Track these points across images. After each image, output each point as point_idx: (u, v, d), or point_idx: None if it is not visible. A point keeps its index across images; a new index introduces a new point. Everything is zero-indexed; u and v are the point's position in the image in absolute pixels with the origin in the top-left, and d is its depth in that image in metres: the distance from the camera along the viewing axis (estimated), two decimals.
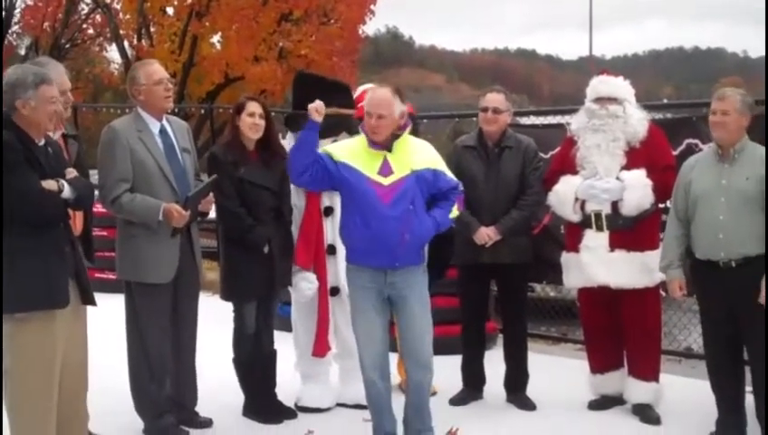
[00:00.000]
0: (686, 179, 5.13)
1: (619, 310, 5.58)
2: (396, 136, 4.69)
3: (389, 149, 4.67)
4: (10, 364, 4.07)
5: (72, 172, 4.25)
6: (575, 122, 5.71)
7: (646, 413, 5.52)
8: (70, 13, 26.84)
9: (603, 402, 5.77)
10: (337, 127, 5.52)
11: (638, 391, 5.59)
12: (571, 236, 5.71)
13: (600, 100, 5.58)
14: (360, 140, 4.80)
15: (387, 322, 4.81)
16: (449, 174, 4.81)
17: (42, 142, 4.14)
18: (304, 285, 5.55)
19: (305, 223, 5.58)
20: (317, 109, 4.68)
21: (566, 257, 5.75)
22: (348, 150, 4.76)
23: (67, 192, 4.11)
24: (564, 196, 5.60)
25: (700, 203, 5.01)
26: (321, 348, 5.67)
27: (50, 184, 4.04)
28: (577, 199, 5.54)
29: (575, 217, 5.59)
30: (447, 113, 10.25)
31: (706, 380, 5.23)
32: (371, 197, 4.60)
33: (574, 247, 5.61)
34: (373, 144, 4.68)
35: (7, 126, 4.02)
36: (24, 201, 3.95)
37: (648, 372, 5.59)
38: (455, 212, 4.78)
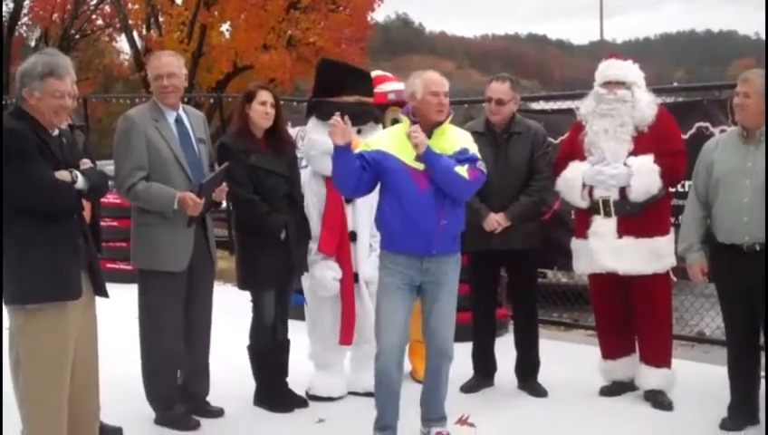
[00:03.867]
0: (708, 160, 5.08)
1: (629, 296, 5.56)
2: (437, 123, 4.66)
3: (429, 136, 4.63)
4: (22, 356, 4.07)
5: (86, 163, 4.24)
6: (584, 107, 5.68)
7: (658, 399, 5.51)
8: (79, 3, 26.86)
9: (615, 388, 5.75)
10: (363, 116, 5.52)
11: (650, 377, 5.57)
12: (580, 222, 5.70)
13: (608, 84, 5.53)
14: (399, 128, 4.78)
15: (411, 312, 4.78)
16: (478, 155, 4.71)
17: (56, 132, 4.13)
18: (329, 274, 5.53)
19: (328, 210, 5.57)
20: (342, 132, 4.53)
21: (575, 243, 5.74)
22: (385, 137, 4.79)
23: (80, 183, 4.10)
24: (572, 182, 5.57)
25: (723, 185, 4.97)
26: (348, 336, 5.66)
27: (63, 175, 4.03)
28: (585, 185, 5.51)
29: (583, 204, 5.57)
30: (457, 99, 10.22)
31: (719, 365, 5.21)
32: (408, 182, 4.59)
33: (583, 233, 5.59)
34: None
35: (20, 115, 4.02)
36: (36, 192, 3.94)
37: (659, 358, 5.56)
38: (464, 172, 4.57)
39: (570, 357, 6.57)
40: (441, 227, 4.59)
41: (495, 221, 5.59)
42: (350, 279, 5.61)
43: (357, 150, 4.65)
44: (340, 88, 5.59)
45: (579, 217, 5.77)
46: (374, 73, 6.08)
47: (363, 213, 5.52)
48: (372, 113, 5.65)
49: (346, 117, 4.57)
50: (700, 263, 5.13)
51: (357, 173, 4.59)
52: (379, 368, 4.72)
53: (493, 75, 6.01)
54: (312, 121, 5.68)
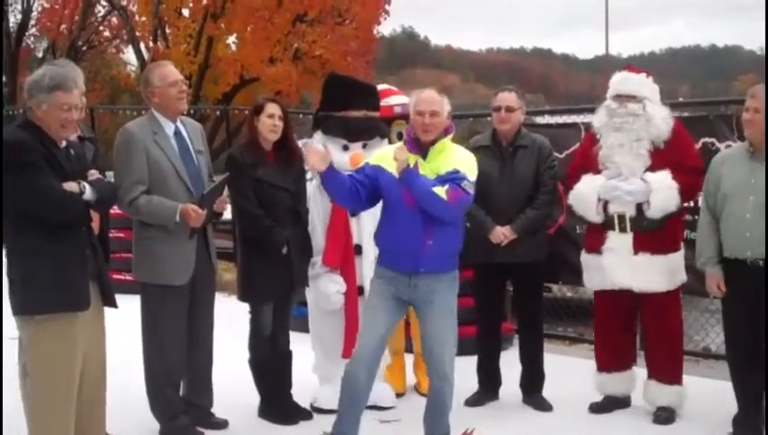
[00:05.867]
0: (717, 175, 5.09)
1: (641, 314, 5.54)
2: (433, 141, 4.62)
3: (424, 156, 4.60)
4: (30, 366, 4.09)
5: (94, 174, 4.26)
6: (596, 120, 5.62)
7: (662, 415, 5.48)
8: (86, 15, 26.99)
9: (606, 404, 5.71)
10: (369, 131, 5.54)
11: (662, 395, 5.52)
12: (593, 237, 5.62)
13: (618, 97, 5.48)
14: (399, 146, 4.73)
15: (394, 325, 4.75)
16: (469, 177, 4.58)
17: (63, 144, 4.15)
18: (333, 287, 5.53)
19: (333, 223, 5.58)
20: (318, 158, 4.47)
21: (586, 258, 5.68)
22: (383, 153, 4.75)
23: (88, 194, 4.12)
24: (586, 196, 5.52)
25: (729, 200, 4.98)
26: (351, 349, 5.63)
27: (71, 186, 4.05)
28: (599, 200, 5.47)
29: (597, 218, 5.51)
30: (462, 113, 10.24)
31: (724, 380, 5.20)
32: (396, 198, 4.56)
33: (595, 249, 5.53)
34: (411, 147, 4.62)
35: (28, 127, 4.04)
36: (45, 203, 3.96)
37: (672, 375, 5.52)
38: (441, 193, 4.44)
39: (574, 372, 6.55)
40: (426, 246, 4.53)
41: (501, 234, 5.59)
42: (353, 292, 5.60)
43: (360, 165, 4.65)
44: (346, 103, 5.61)
45: (591, 231, 5.69)
46: (380, 87, 6.10)
47: (368, 226, 5.51)
48: (379, 128, 5.67)
49: (310, 143, 4.57)
50: (717, 277, 5.11)
51: (351, 191, 4.57)
52: (346, 372, 4.68)
53: (498, 88, 6.03)
54: (318, 135, 5.70)
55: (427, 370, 4.78)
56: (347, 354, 5.61)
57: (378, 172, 4.61)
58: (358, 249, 5.63)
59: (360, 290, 5.61)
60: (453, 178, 4.50)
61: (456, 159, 4.64)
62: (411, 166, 4.51)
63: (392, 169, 4.55)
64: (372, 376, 4.69)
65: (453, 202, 4.47)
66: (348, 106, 5.59)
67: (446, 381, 4.66)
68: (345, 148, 5.58)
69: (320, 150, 4.53)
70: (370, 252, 5.56)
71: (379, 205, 4.78)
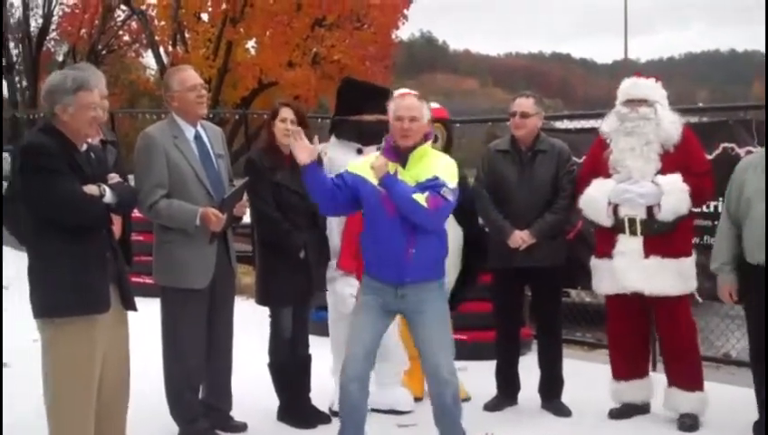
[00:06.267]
0: (741, 180, 5.09)
1: (653, 318, 5.52)
2: (412, 148, 4.57)
3: (404, 164, 4.55)
4: (50, 368, 4.11)
5: (114, 177, 4.29)
6: (606, 125, 5.62)
7: (685, 422, 5.45)
8: (106, 19, 27.13)
9: (626, 411, 5.68)
10: (382, 135, 5.53)
11: (684, 401, 5.49)
12: (603, 240, 5.60)
13: (630, 102, 5.48)
14: (378, 154, 4.69)
15: (379, 333, 4.67)
16: (449, 184, 4.50)
17: (84, 148, 4.18)
18: (348, 290, 5.52)
19: (348, 227, 5.57)
20: (305, 150, 4.48)
21: (596, 263, 5.66)
22: (363, 162, 4.69)
23: (109, 197, 4.14)
24: (596, 200, 5.51)
25: (752, 205, 4.97)
26: None
27: (92, 189, 4.08)
28: (610, 203, 5.46)
29: (608, 222, 5.50)
30: (481, 118, 10.24)
31: (745, 386, 5.16)
32: (377, 208, 4.51)
33: (606, 253, 5.52)
34: (390, 154, 4.57)
35: (49, 131, 4.06)
36: (65, 206, 3.99)
37: (692, 381, 5.48)
38: (421, 199, 4.38)
39: (593, 377, 6.51)
40: (410, 255, 4.47)
41: (520, 238, 5.58)
42: None
43: (340, 172, 4.64)
44: (360, 107, 5.63)
45: (600, 235, 5.66)
46: (400, 91, 6.09)
47: None
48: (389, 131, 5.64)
49: (300, 134, 4.52)
50: (729, 284, 5.10)
51: (329, 192, 4.53)
52: (340, 382, 4.66)
53: (516, 93, 6.03)
54: (333, 140, 5.71)
55: (426, 377, 4.70)
56: None
57: (357, 182, 4.56)
58: None
59: None
60: (433, 186, 4.43)
61: (435, 165, 4.57)
62: (391, 173, 4.47)
63: (372, 178, 4.50)
64: (365, 387, 4.60)
65: (433, 209, 4.40)
66: (361, 110, 5.62)
67: (447, 386, 4.55)
68: (359, 151, 5.59)
69: (307, 145, 4.50)
70: None
71: None
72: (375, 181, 4.47)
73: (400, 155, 4.57)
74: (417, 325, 4.62)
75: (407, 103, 4.61)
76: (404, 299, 4.56)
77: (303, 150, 4.47)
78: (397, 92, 4.73)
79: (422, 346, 4.63)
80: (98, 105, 4.17)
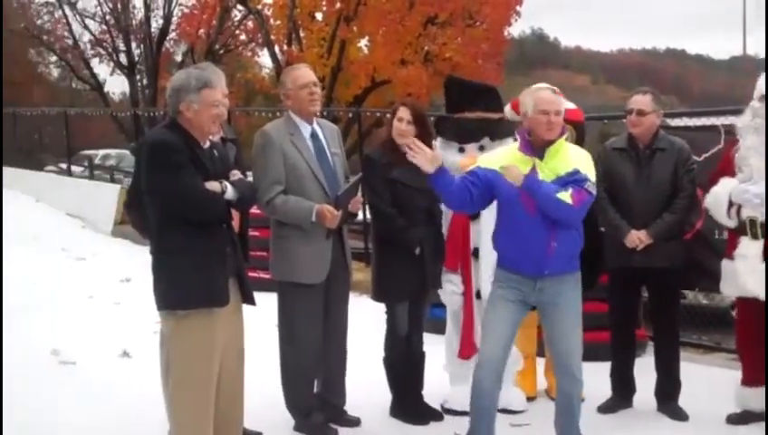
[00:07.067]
0: None
1: None
2: (549, 142, 4.59)
3: (541, 156, 4.57)
4: (171, 360, 4.23)
5: (236, 174, 4.39)
6: (740, 121, 5.45)
7: None
8: (223, 20, 27.76)
9: (744, 417, 5.49)
10: (479, 132, 5.53)
11: None
12: (730, 242, 5.48)
13: (764, 98, 5.27)
14: (511, 148, 4.76)
15: (516, 328, 4.69)
16: (590, 177, 4.56)
17: (206, 145, 4.29)
18: (449, 287, 5.58)
19: (453, 226, 5.60)
20: (426, 162, 4.49)
21: (724, 264, 5.51)
22: (497, 157, 4.71)
23: (230, 193, 4.23)
24: (718, 199, 5.37)
25: None
26: (466, 350, 5.65)
27: (213, 185, 4.18)
28: (732, 204, 5.31)
29: (730, 223, 5.36)
30: (595, 115, 10.09)
31: None
32: (517, 204, 4.53)
33: (731, 254, 5.38)
34: (526, 149, 4.60)
35: (174, 128, 4.18)
36: (188, 202, 4.09)
37: None
38: (566, 197, 4.43)
39: (711, 381, 6.37)
40: (552, 248, 4.49)
41: (637, 238, 5.49)
42: (469, 294, 5.61)
43: (471, 168, 4.66)
44: (461, 105, 5.62)
45: (730, 236, 5.54)
46: (535, 87, 6.04)
47: (487, 230, 5.48)
48: (488, 129, 5.57)
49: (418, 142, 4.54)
50: None
51: (461, 193, 4.56)
52: (474, 379, 4.66)
53: (630, 90, 5.91)
54: (439, 140, 5.72)
55: (555, 372, 4.77)
56: (462, 354, 5.63)
57: (493, 177, 4.58)
58: (475, 253, 5.61)
59: (477, 294, 5.60)
60: (575, 180, 4.48)
61: (575, 158, 4.60)
62: (528, 171, 4.49)
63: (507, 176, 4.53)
64: (499, 381, 4.66)
65: (578, 206, 4.46)
66: (463, 108, 5.61)
67: (576, 383, 4.63)
68: (461, 150, 5.59)
69: (427, 154, 4.52)
70: (488, 256, 5.51)
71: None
72: (515, 183, 4.48)
73: (536, 149, 4.58)
74: (552, 319, 4.65)
75: (551, 98, 4.62)
76: (542, 292, 4.59)
77: (425, 162, 4.50)
78: (534, 87, 4.72)
79: (555, 342, 4.68)
80: (220, 102, 4.29)
